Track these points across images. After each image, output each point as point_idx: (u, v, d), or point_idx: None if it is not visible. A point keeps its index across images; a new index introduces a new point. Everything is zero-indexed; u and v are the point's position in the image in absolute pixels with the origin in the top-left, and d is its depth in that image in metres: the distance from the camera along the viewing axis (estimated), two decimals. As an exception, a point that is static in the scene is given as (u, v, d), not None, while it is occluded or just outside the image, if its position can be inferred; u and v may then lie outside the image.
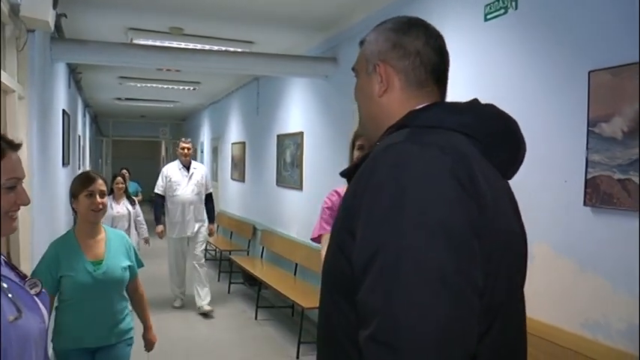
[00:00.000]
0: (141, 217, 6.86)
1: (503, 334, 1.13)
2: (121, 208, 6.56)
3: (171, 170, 7.01)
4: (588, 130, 2.68)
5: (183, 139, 7.21)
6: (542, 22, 3.03)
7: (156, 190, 7.02)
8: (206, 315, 6.58)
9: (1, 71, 3.17)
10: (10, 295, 1.35)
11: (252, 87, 8.79)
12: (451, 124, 1.18)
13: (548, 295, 2.96)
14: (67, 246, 2.84)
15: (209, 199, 7.12)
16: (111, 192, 6.40)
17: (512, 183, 3.25)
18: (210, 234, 7.18)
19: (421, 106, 1.25)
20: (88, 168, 11.89)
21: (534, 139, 3.06)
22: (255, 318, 6.43)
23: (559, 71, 2.90)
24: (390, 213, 1.03)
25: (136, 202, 6.90)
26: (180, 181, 6.92)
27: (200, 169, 7.15)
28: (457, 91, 3.77)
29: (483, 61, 3.49)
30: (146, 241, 6.95)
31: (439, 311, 0.96)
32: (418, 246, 0.99)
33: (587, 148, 2.68)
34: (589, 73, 2.66)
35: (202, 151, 13.84)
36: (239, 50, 6.17)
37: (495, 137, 1.25)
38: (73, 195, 2.87)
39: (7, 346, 1.29)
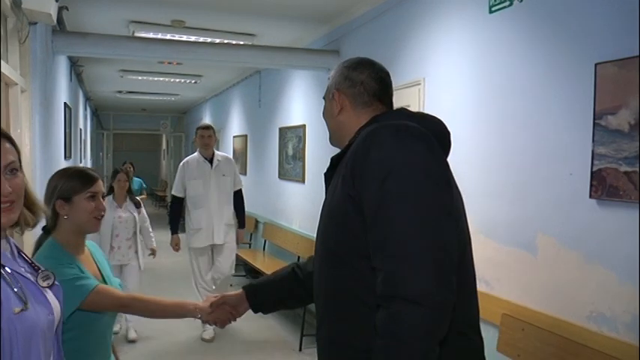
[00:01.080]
0: (148, 223, 5.72)
1: (469, 262, 1.65)
2: (124, 211, 5.42)
3: (191, 164, 5.65)
4: (594, 123, 2.66)
5: (203, 125, 5.76)
6: (548, 14, 3.02)
7: (173, 192, 5.73)
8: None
9: (4, 64, 3.15)
10: (15, 290, 1.34)
11: (254, 80, 8.77)
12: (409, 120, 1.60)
13: (554, 287, 2.95)
14: (67, 266, 2.02)
15: (238, 198, 5.81)
16: (110, 191, 5.43)
17: (518, 175, 3.27)
18: (239, 241, 5.88)
19: (381, 112, 1.71)
20: (89, 161, 11.89)
21: (539, 132, 3.07)
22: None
23: (565, 63, 2.89)
24: (389, 174, 1.42)
25: (142, 205, 5.70)
26: (201, 176, 5.57)
27: (226, 161, 5.78)
28: (460, 85, 3.77)
29: (487, 54, 3.48)
30: (153, 252, 5.79)
31: (438, 233, 1.40)
32: (413, 192, 1.41)
33: (593, 140, 2.67)
34: (595, 65, 2.65)
35: (203, 145, 13.82)
36: (241, 43, 6.15)
37: (436, 134, 1.59)
38: (65, 197, 2.10)
39: (12, 337, 1.29)
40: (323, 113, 1.88)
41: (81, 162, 9.21)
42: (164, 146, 20.46)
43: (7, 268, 1.35)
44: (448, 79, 3.88)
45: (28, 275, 1.44)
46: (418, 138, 1.48)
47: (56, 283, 1.52)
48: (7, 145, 1.41)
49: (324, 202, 1.67)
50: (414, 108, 4.22)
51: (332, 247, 1.58)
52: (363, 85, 1.72)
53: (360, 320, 1.50)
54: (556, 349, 2.87)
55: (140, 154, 21.79)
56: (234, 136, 10.22)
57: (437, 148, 1.50)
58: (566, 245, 2.88)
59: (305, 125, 6.59)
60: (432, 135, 1.53)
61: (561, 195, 2.90)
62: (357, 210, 1.47)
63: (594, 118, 2.66)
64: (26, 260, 1.49)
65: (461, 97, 3.73)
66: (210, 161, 5.62)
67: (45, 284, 1.47)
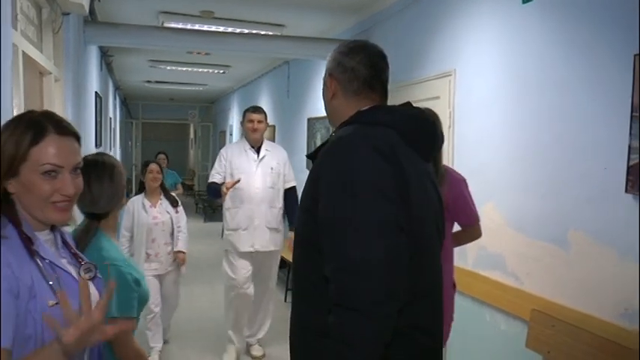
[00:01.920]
0: (183, 224, 4.77)
1: (425, 262, 1.64)
2: (158, 211, 4.63)
3: (234, 152, 4.69)
4: (632, 116, 2.60)
5: (252, 107, 4.75)
6: (585, 4, 2.94)
7: (211, 179, 4.69)
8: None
9: (39, 53, 3.20)
10: (50, 283, 1.35)
11: (282, 70, 8.76)
12: (385, 121, 1.65)
13: (586, 283, 2.91)
14: (126, 260, 1.93)
15: (290, 197, 4.73)
16: (141, 188, 4.73)
17: (551, 169, 3.21)
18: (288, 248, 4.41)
19: (366, 107, 1.72)
20: (118, 150, 12.02)
21: (574, 125, 3.01)
22: (285, 300, 6.46)
23: (602, 55, 2.82)
24: (340, 185, 1.51)
25: (179, 203, 4.85)
26: (245, 167, 4.56)
27: (276, 152, 4.80)
28: (492, 76, 3.71)
29: (520, 45, 3.42)
30: (182, 260, 4.78)
31: (380, 245, 1.45)
32: (360, 205, 1.48)
33: (630, 134, 2.61)
34: (634, 56, 2.58)
35: (231, 134, 13.89)
36: (270, 34, 6.14)
37: (413, 131, 1.68)
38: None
39: (45, 329, 1.29)
40: (322, 93, 1.92)
41: (110, 150, 9.32)
42: (192, 136, 20.60)
43: (46, 260, 1.37)
44: (480, 71, 3.83)
45: (69, 268, 1.45)
46: (368, 155, 1.53)
47: (98, 275, 1.53)
48: (76, 144, 1.42)
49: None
50: (444, 100, 4.19)
51: (304, 234, 1.69)
52: (354, 71, 1.74)
53: (317, 303, 1.60)
54: (587, 346, 2.82)
55: (168, 144, 21.99)
56: (261, 127, 10.23)
57: (386, 163, 1.54)
58: (600, 241, 2.82)
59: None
60: (404, 133, 1.64)
61: (595, 190, 2.85)
62: (316, 205, 1.58)
63: (632, 111, 2.60)
64: (69, 252, 1.51)
65: (492, 88, 3.68)
66: (258, 151, 4.64)
67: (87, 277, 1.47)
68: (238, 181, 4.32)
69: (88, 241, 1.87)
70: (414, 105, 1.83)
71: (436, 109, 4.31)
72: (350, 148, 1.56)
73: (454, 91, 4.11)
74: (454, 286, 3.03)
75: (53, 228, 1.46)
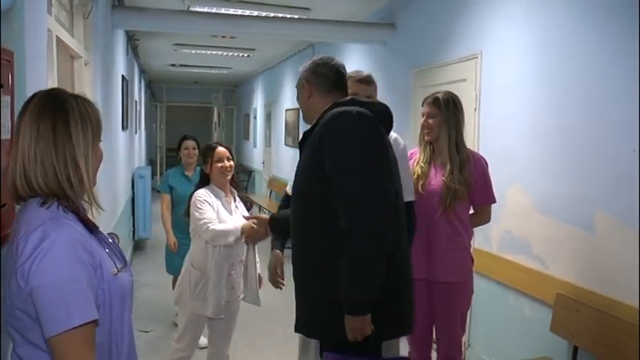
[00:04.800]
0: None
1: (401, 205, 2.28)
2: (236, 216, 3.33)
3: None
4: (662, 99, 2.58)
5: (360, 76, 3.01)
6: (615, -14, 2.91)
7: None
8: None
9: (71, 37, 3.26)
10: (107, 250, 1.43)
11: (307, 54, 8.76)
12: (361, 105, 2.23)
13: (612, 267, 2.90)
14: None
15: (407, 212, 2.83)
16: (204, 181, 3.40)
17: (578, 152, 3.21)
18: None
19: (342, 100, 2.28)
20: (143, 132, 12.15)
21: (602, 108, 2.98)
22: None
23: (630, 36, 2.77)
24: (348, 144, 2.09)
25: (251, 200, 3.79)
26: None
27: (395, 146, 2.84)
28: (519, 59, 3.68)
29: (547, 27, 3.38)
30: (259, 281, 3.47)
31: (383, 197, 2.06)
32: (365, 158, 2.08)
33: (659, 117, 2.59)
34: (665, 39, 2.55)
35: (255, 117, 13.94)
36: (295, 17, 6.14)
37: (382, 114, 2.31)
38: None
39: (112, 297, 1.39)
40: (297, 98, 2.48)
41: (136, 133, 9.43)
42: (215, 119, 20.69)
43: (98, 234, 1.45)
44: (506, 53, 3.80)
45: (107, 237, 1.52)
46: (364, 120, 2.13)
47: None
48: None
49: (299, 162, 2.32)
50: (470, 82, 4.18)
51: (304, 193, 2.26)
52: (325, 76, 2.35)
53: (319, 243, 2.19)
54: (613, 331, 2.82)
55: (192, 126, 22.12)
56: (286, 110, 10.26)
57: (377, 127, 2.16)
58: (627, 224, 2.81)
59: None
60: (377, 116, 2.21)
61: (623, 172, 2.83)
62: (321, 169, 2.11)
63: (662, 95, 2.57)
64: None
65: (519, 70, 3.65)
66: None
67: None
68: None
69: None
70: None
71: (462, 92, 4.31)
72: (345, 119, 2.13)
73: (480, 73, 4.09)
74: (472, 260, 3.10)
75: None
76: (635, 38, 2.74)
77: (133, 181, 8.25)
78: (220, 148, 3.38)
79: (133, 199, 8.12)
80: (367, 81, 2.95)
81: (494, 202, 3.10)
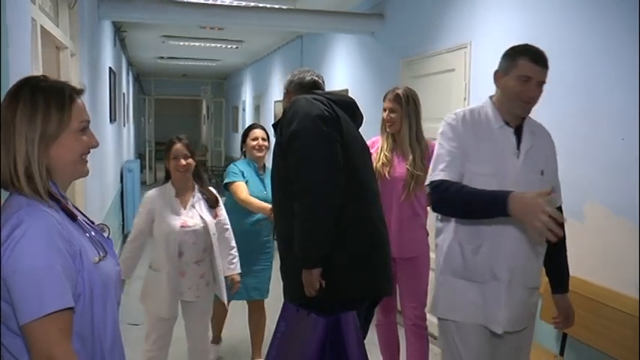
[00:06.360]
0: (230, 233, 3.45)
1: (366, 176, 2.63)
2: (190, 214, 3.18)
3: (474, 125, 2.40)
4: (651, 87, 2.58)
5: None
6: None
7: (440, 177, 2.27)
8: None
9: (56, 27, 3.21)
10: (93, 234, 1.41)
11: (295, 45, 8.72)
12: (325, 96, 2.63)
13: (603, 256, 2.91)
14: None
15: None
16: (167, 176, 3.28)
17: (567, 140, 3.18)
18: None
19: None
20: (132, 126, 12.07)
21: (591, 96, 2.98)
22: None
23: (620, 24, 2.78)
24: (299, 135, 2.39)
25: (219, 200, 3.41)
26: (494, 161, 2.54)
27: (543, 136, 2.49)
28: (509, 47, 3.66)
29: (537, 16, 3.38)
30: (233, 283, 3.46)
31: (329, 160, 2.37)
32: (313, 134, 2.38)
33: (648, 105, 2.59)
34: (654, 26, 2.55)
35: (244, 109, 13.88)
36: (284, 7, 6.10)
37: (344, 109, 2.61)
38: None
39: (93, 287, 1.36)
40: (283, 103, 2.87)
41: (124, 126, 9.36)
42: (204, 112, 20.61)
43: (79, 219, 1.42)
44: (495, 43, 3.79)
45: (92, 226, 1.50)
46: (313, 100, 2.48)
47: (110, 238, 1.58)
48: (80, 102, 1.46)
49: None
50: (459, 72, 4.17)
51: (278, 175, 2.56)
52: (302, 85, 2.78)
53: (285, 214, 2.50)
54: (606, 319, 2.83)
55: (181, 119, 22.02)
56: (275, 101, 10.23)
57: (323, 110, 2.44)
58: (617, 213, 2.82)
59: (347, 90, 6.55)
60: (337, 104, 2.55)
61: (613, 161, 2.83)
62: (282, 148, 2.45)
63: (651, 82, 2.58)
64: (81, 213, 1.54)
65: (509, 61, 3.64)
66: (517, 131, 2.32)
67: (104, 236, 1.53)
68: None
69: None
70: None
71: (451, 82, 4.31)
72: (300, 100, 2.50)
73: (470, 63, 4.08)
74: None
75: None
76: (627, 26, 2.74)
77: (122, 175, 8.20)
78: (177, 145, 3.18)
79: (122, 192, 8.07)
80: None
81: None
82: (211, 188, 3.40)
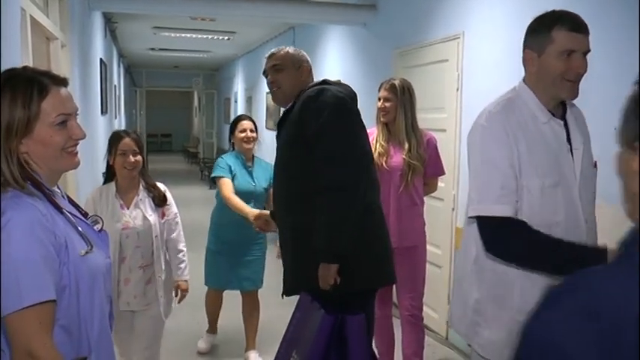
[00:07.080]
0: (179, 234, 3.11)
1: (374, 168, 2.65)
2: (134, 214, 2.90)
3: (522, 118, 2.06)
4: (642, 76, 2.58)
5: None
6: (597, -36, 2.90)
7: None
8: None
9: (46, 18, 3.18)
10: (80, 229, 1.39)
11: (287, 36, 8.69)
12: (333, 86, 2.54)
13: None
14: None
15: None
16: (110, 175, 3.01)
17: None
18: None
19: (314, 83, 2.61)
20: (123, 117, 12.01)
21: (583, 86, 2.95)
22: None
23: (612, 12, 2.79)
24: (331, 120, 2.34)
25: (169, 198, 3.05)
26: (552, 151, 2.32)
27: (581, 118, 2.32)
28: (501, 39, 3.67)
29: (530, 5, 3.37)
30: (181, 291, 3.14)
31: (358, 157, 2.39)
32: (345, 130, 2.37)
33: (640, 94, 2.59)
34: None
35: (236, 101, 13.85)
36: (275, -3, 6.07)
37: (347, 95, 2.53)
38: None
39: (79, 279, 1.34)
40: (275, 73, 2.71)
41: (116, 118, 9.32)
42: (196, 103, 20.55)
43: (66, 211, 1.40)
44: (488, 33, 3.79)
45: (82, 219, 1.48)
46: (337, 96, 2.40)
47: (104, 230, 1.56)
48: (69, 91, 1.45)
49: (279, 137, 2.60)
50: (452, 63, 4.17)
51: (286, 164, 2.53)
52: (302, 66, 2.68)
53: (299, 207, 2.46)
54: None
55: (172, 111, 21.94)
56: (267, 93, 10.19)
57: (349, 102, 2.46)
58: (608, 202, 2.82)
59: (340, 81, 6.52)
60: (346, 95, 2.49)
61: (605, 150, 2.83)
62: (303, 140, 2.38)
63: (643, 72, 2.58)
64: (74, 205, 1.53)
65: (502, 51, 3.64)
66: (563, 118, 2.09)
67: (96, 228, 1.51)
68: None
69: None
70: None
71: (444, 72, 4.30)
72: (320, 95, 2.38)
73: (462, 53, 4.07)
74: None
75: None
76: (619, 15, 2.74)
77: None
78: (126, 140, 2.87)
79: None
80: None
81: (444, 174, 3.52)
82: (159, 184, 3.05)
